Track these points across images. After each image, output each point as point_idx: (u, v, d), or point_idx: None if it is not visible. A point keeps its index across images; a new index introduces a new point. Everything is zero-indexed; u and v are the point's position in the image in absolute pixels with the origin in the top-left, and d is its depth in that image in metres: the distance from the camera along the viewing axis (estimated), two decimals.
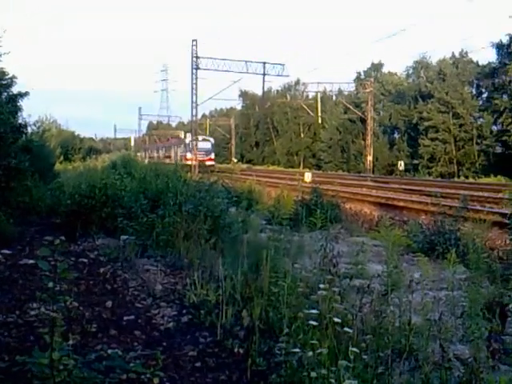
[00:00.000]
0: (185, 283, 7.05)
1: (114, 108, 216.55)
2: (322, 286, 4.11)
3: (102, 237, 10.53)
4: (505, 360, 4.62)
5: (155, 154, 79.92)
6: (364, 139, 62.88)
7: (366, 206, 21.90)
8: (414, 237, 11.01)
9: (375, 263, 8.72)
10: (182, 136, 75.62)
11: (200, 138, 60.13)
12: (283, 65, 51.71)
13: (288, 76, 57.79)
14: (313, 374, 3.50)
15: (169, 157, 69.01)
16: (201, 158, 55.81)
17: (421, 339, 4.20)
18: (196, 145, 54.14)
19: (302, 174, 31.53)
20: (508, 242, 10.87)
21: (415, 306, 5.22)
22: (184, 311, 6.32)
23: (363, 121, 63.79)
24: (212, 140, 66.14)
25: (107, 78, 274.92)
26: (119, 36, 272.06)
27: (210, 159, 61.62)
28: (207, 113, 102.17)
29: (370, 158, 58.80)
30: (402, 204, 21.43)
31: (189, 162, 51.77)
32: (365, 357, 3.86)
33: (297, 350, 3.92)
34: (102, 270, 8.25)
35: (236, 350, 5.07)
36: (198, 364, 4.88)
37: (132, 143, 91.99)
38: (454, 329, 5.34)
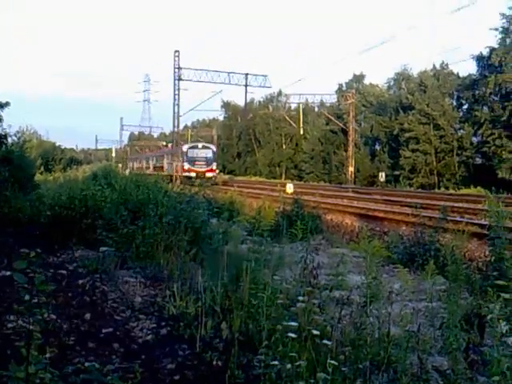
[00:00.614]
0: (164, 295, 7.00)
1: (96, 118, 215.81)
2: (300, 298, 4.11)
3: (81, 248, 10.42)
4: (483, 371, 4.63)
5: (144, 165, 72.77)
6: (346, 150, 63.23)
7: (347, 217, 21.97)
8: (394, 248, 11.06)
9: (355, 274, 8.73)
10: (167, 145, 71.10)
11: (199, 145, 54.51)
12: (266, 76, 52.23)
13: (270, 87, 58.27)
14: None
15: (161, 167, 61.65)
16: (200, 169, 50.02)
17: (399, 351, 4.20)
18: (193, 153, 50.62)
19: (284, 185, 31.59)
20: (487, 253, 10.95)
21: (394, 318, 5.24)
22: (163, 323, 6.26)
23: (345, 132, 64.23)
24: (213, 147, 55.96)
25: (89, 88, 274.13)
26: (101, 45, 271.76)
27: (211, 170, 52.52)
28: (189, 123, 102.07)
29: (351, 168, 59.17)
30: (382, 215, 21.52)
31: (188, 174, 47.83)
32: (344, 369, 3.85)
33: (275, 362, 3.90)
34: (80, 281, 8.16)
35: (215, 362, 5.03)
36: (176, 377, 4.84)
37: (113, 154, 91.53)
38: (433, 340, 5.35)
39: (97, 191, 12.28)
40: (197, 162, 51.31)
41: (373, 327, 4.71)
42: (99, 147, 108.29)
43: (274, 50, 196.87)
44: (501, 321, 3.34)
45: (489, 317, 3.88)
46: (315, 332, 3.71)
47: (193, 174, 47.96)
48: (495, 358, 3.38)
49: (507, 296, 3.15)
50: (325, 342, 3.72)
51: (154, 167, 66.46)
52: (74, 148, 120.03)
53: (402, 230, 16.08)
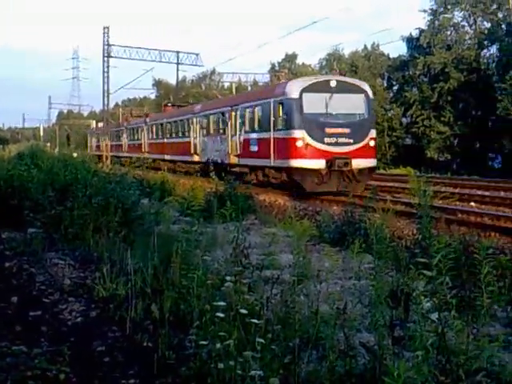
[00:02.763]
0: (94, 277, 6.89)
1: (23, 97, 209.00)
2: (228, 278, 4.12)
3: (8, 230, 10.13)
4: (409, 347, 4.77)
5: (108, 143, 49.05)
6: None
7: (280, 197, 22.12)
8: (325, 227, 11.21)
9: (287, 253, 8.81)
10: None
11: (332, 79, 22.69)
12: (197, 54, 51.76)
13: (202, 66, 57.82)
14: (220, 366, 3.51)
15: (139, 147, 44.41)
16: (339, 150, 21.09)
17: (328, 328, 4.27)
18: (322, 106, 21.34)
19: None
20: (415, 231, 11.24)
21: (324, 296, 5.32)
22: (93, 306, 6.19)
23: None
24: (367, 88, 23.18)
25: (15, 65, 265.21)
26: (27, 20, 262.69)
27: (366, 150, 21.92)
28: (121, 102, 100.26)
29: None
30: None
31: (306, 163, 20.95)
32: (273, 347, 3.89)
33: (205, 342, 3.91)
34: (7, 264, 7.94)
35: (145, 343, 5.00)
36: (106, 359, 4.78)
37: (41, 133, 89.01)
38: (361, 317, 5.47)
39: (23, 171, 11.94)
40: (331, 130, 21.43)
41: (302, 305, 4.77)
42: (26, 126, 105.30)
43: (205, 29, 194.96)
44: (422, 298, 3.44)
45: (414, 293, 3.98)
46: (243, 311, 3.73)
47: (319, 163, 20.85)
48: (418, 333, 3.48)
49: (429, 273, 3.24)
50: (253, 320, 3.74)
51: (130, 147, 49.58)
52: (0, 127, 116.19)
53: (333, 210, 16.34)
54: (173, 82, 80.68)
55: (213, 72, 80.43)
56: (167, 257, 6.28)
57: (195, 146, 33.32)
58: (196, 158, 33.25)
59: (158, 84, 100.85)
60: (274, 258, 7.36)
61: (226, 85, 68.40)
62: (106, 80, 46.96)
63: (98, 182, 10.41)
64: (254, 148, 24.90)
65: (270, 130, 22.88)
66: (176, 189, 18.37)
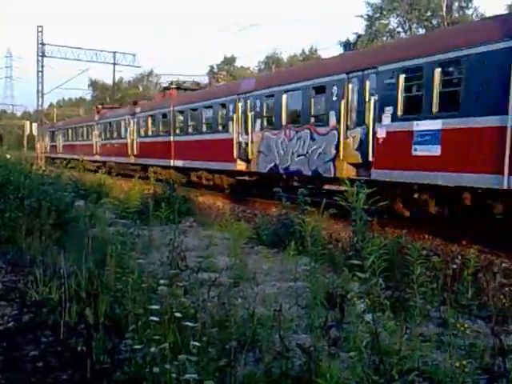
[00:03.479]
0: (26, 281, 6.71)
1: None
2: (162, 281, 4.08)
3: None
4: (345, 348, 4.83)
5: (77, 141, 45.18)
6: None
7: (220, 199, 22.11)
8: (264, 230, 11.25)
9: (225, 256, 8.80)
10: None
11: None
12: (134, 55, 51.32)
13: (140, 66, 57.47)
14: (155, 370, 3.47)
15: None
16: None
17: (264, 330, 4.28)
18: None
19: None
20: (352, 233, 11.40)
21: (261, 298, 5.34)
22: (25, 310, 6.02)
23: None
24: None
25: None
26: None
27: None
28: (57, 102, 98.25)
29: None
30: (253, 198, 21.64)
31: None
32: (210, 350, 3.87)
33: (140, 346, 3.86)
34: None
35: (79, 348, 4.90)
36: (39, 364, 4.67)
37: None
38: (298, 319, 5.52)
39: None
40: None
41: (239, 308, 4.77)
42: None
43: (143, 29, 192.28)
44: (356, 299, 3.48)
45: (349, 295, 4.04)
46: (178, 314, 3.69)
47: None
48: (353, 334, 3.53)
49: (363, 275, 3.29)
50: (188, 323, 3.71)
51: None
52: None
53: (272, 212, 16.42)
54: (109, 82, 79.73)
55: (150, 73, 79.73)
56: (102, 260, 6.18)
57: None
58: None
59: (94, 84, 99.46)
60: (212, 260, 7.34)
61: (164, 86, 67.80)
62: (40, 80, 45.95)
63: (31, 183, 10.14)
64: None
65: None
66: (113, 191, 18.08)
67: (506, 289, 8.00)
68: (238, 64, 78.06)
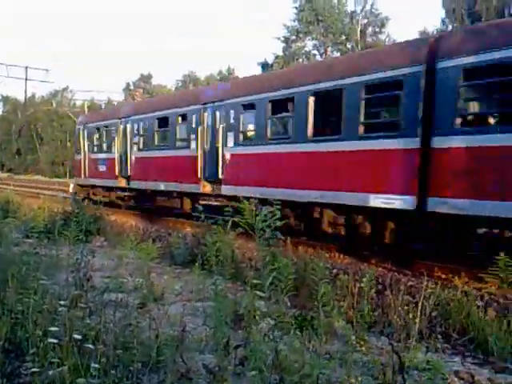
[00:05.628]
0: None
1: None
2: (62, 302, 3.98)
3: None
4: (252, 367, 4.85)
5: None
6: None
7: (132, 218, 21.81)
8: (177, 249, 11.18)
9: (136, 276, 8.68)
10: None
11: None
12: (47, 70, 50.12)
13: (53, 82, 56.43)
14: None
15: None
16: None
17: (169, 351, 4.24)
18: None
19: (67, 185, 30.49)
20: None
21: (168, 318, 5.29)
22: None
23: None
24: None
25: None
26: None
27: None
28: None
29: None
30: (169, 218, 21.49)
31: None
32: (113, 372, 3.80)
33: (39, 369, 3.74)
34: None
35: None
36: None
37: None
38: (206, 338, 5.49)
39: None
40: None
41: (144, 329, 4.71)
42: None
43: (55, 44, 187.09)
44: (258, 318, 3.52)
45: (255, 314, 4.07)
46: (77, 336, 3.61)
47: None
48: (254, 353, 3.56)
49: (262, 294, 3.33)
50: (88, 346, 3.64)
51: None
52: None
53: (186, 231, 16.33)
54: (21, 97, 77.54)
55: (65, 89, 78.15)
56: (5, 280, 5.95)
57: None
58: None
59: (4, 100, 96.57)
60: (120, 280, 7.22)
61: (79, 102, 66.64)
62: None
63: None
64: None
65: None
66: (21, 209, 17.48)
67: (411, 306, 8.25)
68: (154, 82, 77.77)
